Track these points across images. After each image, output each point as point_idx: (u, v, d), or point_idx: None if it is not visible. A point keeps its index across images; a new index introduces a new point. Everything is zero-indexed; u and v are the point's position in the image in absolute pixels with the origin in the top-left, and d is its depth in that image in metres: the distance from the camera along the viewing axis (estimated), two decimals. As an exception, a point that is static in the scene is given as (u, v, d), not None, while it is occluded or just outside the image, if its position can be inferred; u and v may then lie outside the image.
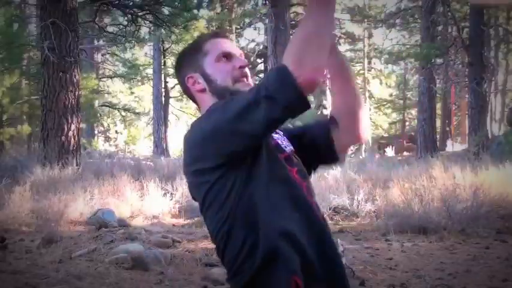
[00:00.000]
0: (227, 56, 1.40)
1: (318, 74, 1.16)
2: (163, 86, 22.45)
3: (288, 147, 1.38)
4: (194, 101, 1.44)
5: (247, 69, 1.41)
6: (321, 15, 1.18)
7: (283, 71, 1.14)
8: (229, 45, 1.43)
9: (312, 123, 1.52)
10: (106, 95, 24.57)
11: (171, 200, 7.45)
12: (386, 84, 28.14)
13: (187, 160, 1.30)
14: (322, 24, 1.18)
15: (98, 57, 23.63)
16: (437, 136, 20.77)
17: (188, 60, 1.44)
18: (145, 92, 26.95)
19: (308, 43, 1.15)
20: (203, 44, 1.43)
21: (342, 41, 29.16)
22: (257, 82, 1.25)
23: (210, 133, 1.22)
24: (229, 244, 1.23)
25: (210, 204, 1.26)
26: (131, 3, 11.37)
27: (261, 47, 25.20)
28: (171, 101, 25.07)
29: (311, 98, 22.82)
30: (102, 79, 23.55)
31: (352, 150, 23.22)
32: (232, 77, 1.37)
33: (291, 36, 1.21)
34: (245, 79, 1.39)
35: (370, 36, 28.32)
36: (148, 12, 11.43)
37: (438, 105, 24.36)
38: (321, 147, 1.45)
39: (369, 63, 28.98)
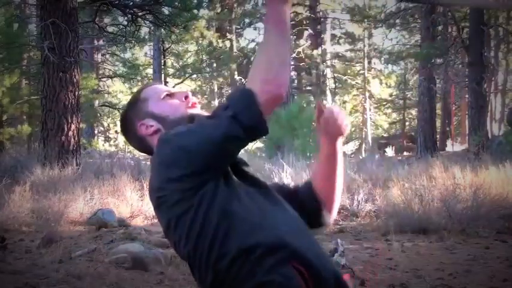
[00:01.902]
0: (169, 94, 1.42)
1: (284, 88, 1.24)
2: (163, 86, 22.42)
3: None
4: (150, 150, 1.41)
5: (194, 97, 1.44)
6: (278, 35, 1.24)
7: (248, 95, 1.19)
8: (165, 86, 1.48)
9: (300, 185, 1.57)
10: (106, 95, 24.54)
11: (171, 200, 7.42)
12: (386, 84, 28.10)
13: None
14: (280, 44, 1.24)
15: (98, 57, 23.60)
16: (437, 136, 20.76)
17: (131, 116, 1.44)
18: (145, 92, 26.90)
19: (271, 63, 1.22)
20: (139, 95, 1.45)
21: (341, 41, 29.19)
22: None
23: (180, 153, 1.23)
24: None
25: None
26: (131, 3, 11.35)
27: (261, 47, 25.18)
28: (171, 101, 25.04)
29: (311, 98, 22.81)
30: (102, 79, 23.52)
31: (352, 150, 23.25)
32: (183, 107, 1.40)
33: (254, 60, 1.28)
34: (196, 106, 1.42)
35: (370, 36, 28.31)
36: (148, 12, 11.41)
37: (438, 105, 24.34)
38: (308, 212, 1.46)
39: (369, 63, 28.97)
